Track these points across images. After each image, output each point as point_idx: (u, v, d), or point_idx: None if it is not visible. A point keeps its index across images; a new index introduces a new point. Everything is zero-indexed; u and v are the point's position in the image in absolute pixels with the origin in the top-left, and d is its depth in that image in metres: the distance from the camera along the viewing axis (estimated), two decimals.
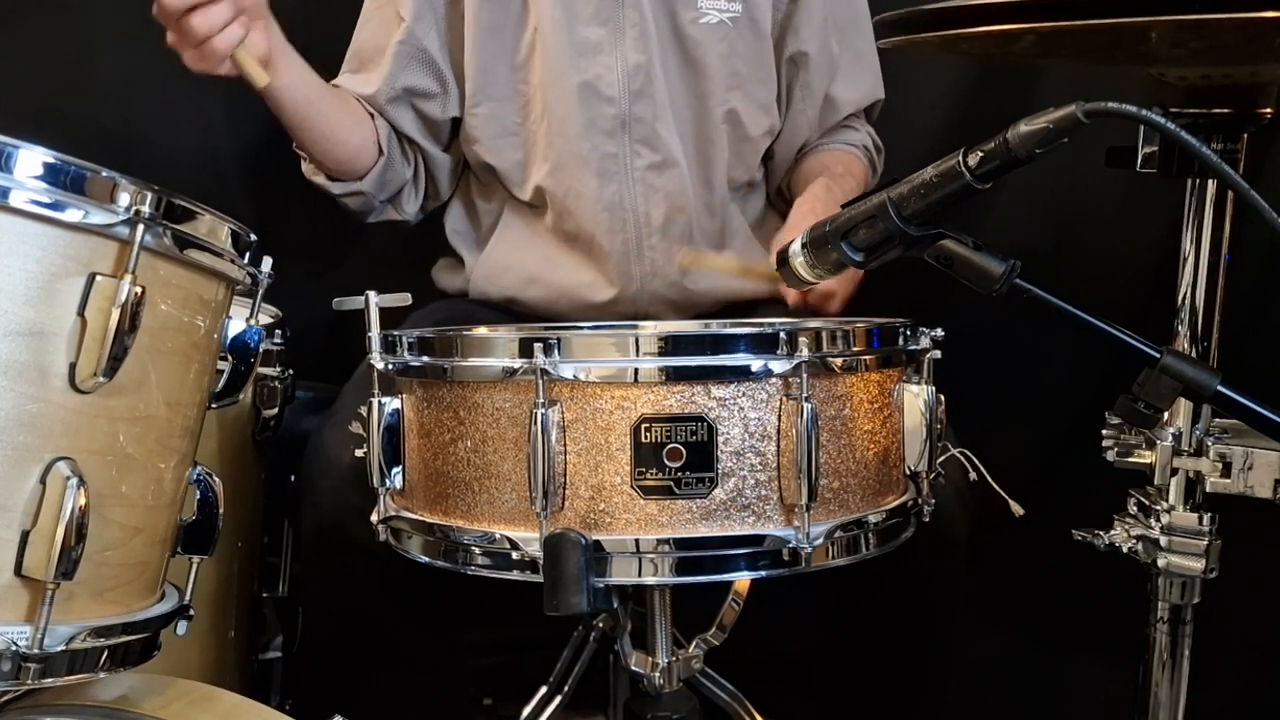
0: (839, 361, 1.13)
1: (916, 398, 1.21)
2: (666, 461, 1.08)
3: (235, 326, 1.16)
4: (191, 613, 1.12)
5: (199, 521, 1.13)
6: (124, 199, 0.96)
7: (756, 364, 1.09)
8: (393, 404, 1.20)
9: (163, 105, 2.01)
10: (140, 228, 0.96)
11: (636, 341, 1.10)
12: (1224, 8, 0.93)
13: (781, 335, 1.09)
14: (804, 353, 1.08)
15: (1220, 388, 1.01)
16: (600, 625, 1.42)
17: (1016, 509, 1.24)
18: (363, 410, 1.20)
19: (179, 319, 1.04)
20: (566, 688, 1.45)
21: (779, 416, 1.09)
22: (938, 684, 1.60)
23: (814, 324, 1.37)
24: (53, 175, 0.93)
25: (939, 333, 1.22)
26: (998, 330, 1.79)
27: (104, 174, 0.95)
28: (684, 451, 1.08)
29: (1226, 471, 1.18)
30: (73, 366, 0.95)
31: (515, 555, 1.11)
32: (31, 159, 0.92)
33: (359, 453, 1.22)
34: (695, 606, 1.26)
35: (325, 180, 1.74)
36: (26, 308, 0.93)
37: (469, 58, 1.72)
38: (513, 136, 1.74)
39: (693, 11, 1.71)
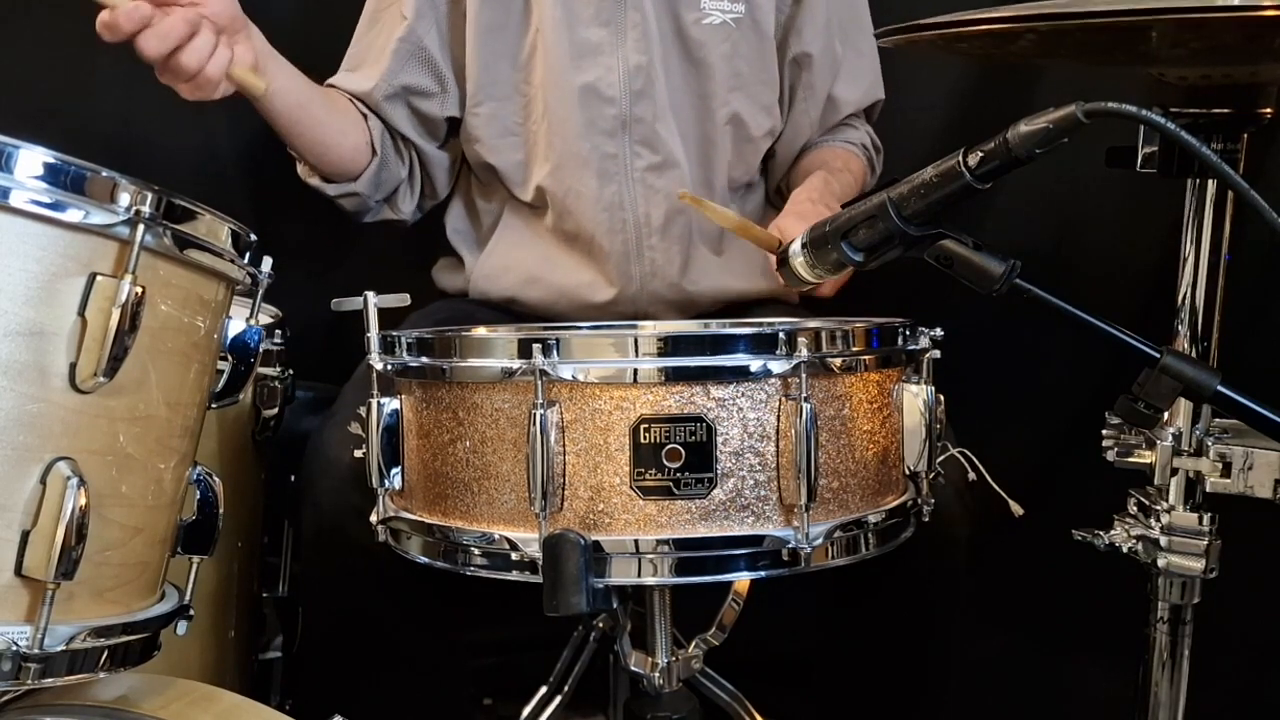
0: (838, 361, 1.13)
1: (916, 398, 1.21)
2: (666, 462, 1.08)
3: (235, 326, 1.15)
4: (191, 613, 1.12)
5: (199, 521, 1.13)
6: (124, 199, 0.96)
7: (755, 364, 1.09)
8: (392, 404, 1.20)
9: (163, 105, 1.99)
10: (140, 228, 0.96)
11: (635, 342, 1.10)
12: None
13: (780, 335, 1.09)
14: (803, 353, 1.08)
15: (1220, 388, 1.01)
16: (600, 625, 1.42)
17: (1016, 509, 1.24)
18: (362, 411, 1.21)
19: (179, 319, 1.04)
20: (566, 688, 1.45)
21: (778, 417, 1.09)
22: (938, 684, 1.60)
23: (813, 324, 1.37)
24: (53, 175, 0.93)
25: (939, 333, 1.23)
26: (998, 330, 1.79)
27: (104, 174, 0.95)
28: (683, 452, 1.08)
29: (1226, 471, 1.18)
30: (73, 366, 0.95)
31: (514, 556, 1.11)
32: (31, 159, 0.92)
33: (358, 453, 1.22)
34: (695, 606, 1.26)
35: (320, 182, 1.74)
36: (26, 308, 0.93)
37: (470, 57, 1.72)
38: (514, 136, 1.74)
39: (695, 12, 1.71)
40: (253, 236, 1.12)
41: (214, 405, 1.15)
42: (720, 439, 1.08)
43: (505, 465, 1.11)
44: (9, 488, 0.94)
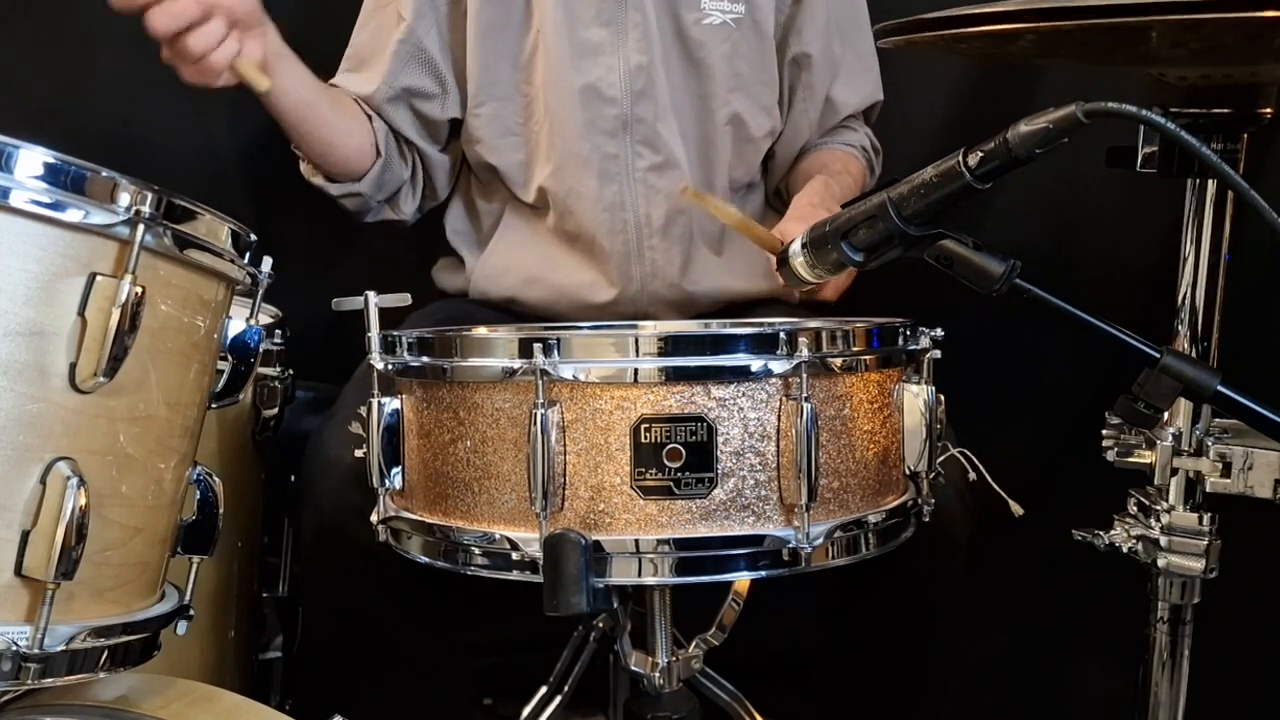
0: (839, 361, 1.13)
1: (916, 398, 1.21)
2: (666, 462, 1.08)
3: (235, 326, 1.15)
4: (191, 613, 1.12)
5: (199, 521, 1.13)
6: (124, 199, 0.96)
7: (756, 364, 1.09)
8: (392, 404, 1.20)
9: (163, 105, 2.00)
10: (140, 228, 0.96)
11: (636, 342, 1.10)
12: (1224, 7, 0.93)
13: (781, 335, 1.09)
14: (804, 353, 1.08)
15: (1220, 388, 1.01)
16: (600, 625, 1.42)
17: (1016, 509, 1.24)
18: (362, 410, 1.21)
19: (179, 319, 1.04)
20: (566, 688, 1.45)
21: (779, 416, 1.09)
22: (938, 684, 1.60)
23: (813, 324, 1.37)
24: (53, 175, 0.93)
25: (939, 333, 1.23)
26: (998, 330, 1.79)
27: (104, 174, 0.95)
28: (684, 452, 1.08)
29: (1226, 471, 1.18)
30: (73, 366, 0.95)
31: (515, 555, 1.11)
32: (31, 159, 0.92)
33: (359, 453, 1.22)
34: (695, 606, 1.26)
35: (323, 181, 1.74)
36: (26, 308, 0.93)
37: (471, 58, 1.72)
38: (515, 137, 1.74)
39: (696, 13, 1.71)
40: (253, 236, 1.12)
41: (214, 405, 1.15)
42: (721, 439, 1.08)
43: (506, 465, 1.11)
44: (9, 488, 0.94)
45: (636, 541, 1.08)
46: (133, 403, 1.00)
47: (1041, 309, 1.04)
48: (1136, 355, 1.03)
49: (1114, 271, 1.95)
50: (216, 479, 1.14)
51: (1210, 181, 1.20)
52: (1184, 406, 1.21)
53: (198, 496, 1.13)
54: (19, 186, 0.92)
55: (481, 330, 1.40)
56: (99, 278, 0.95)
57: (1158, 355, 1.02)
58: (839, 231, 1.10)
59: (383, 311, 1.22)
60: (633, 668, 1.25)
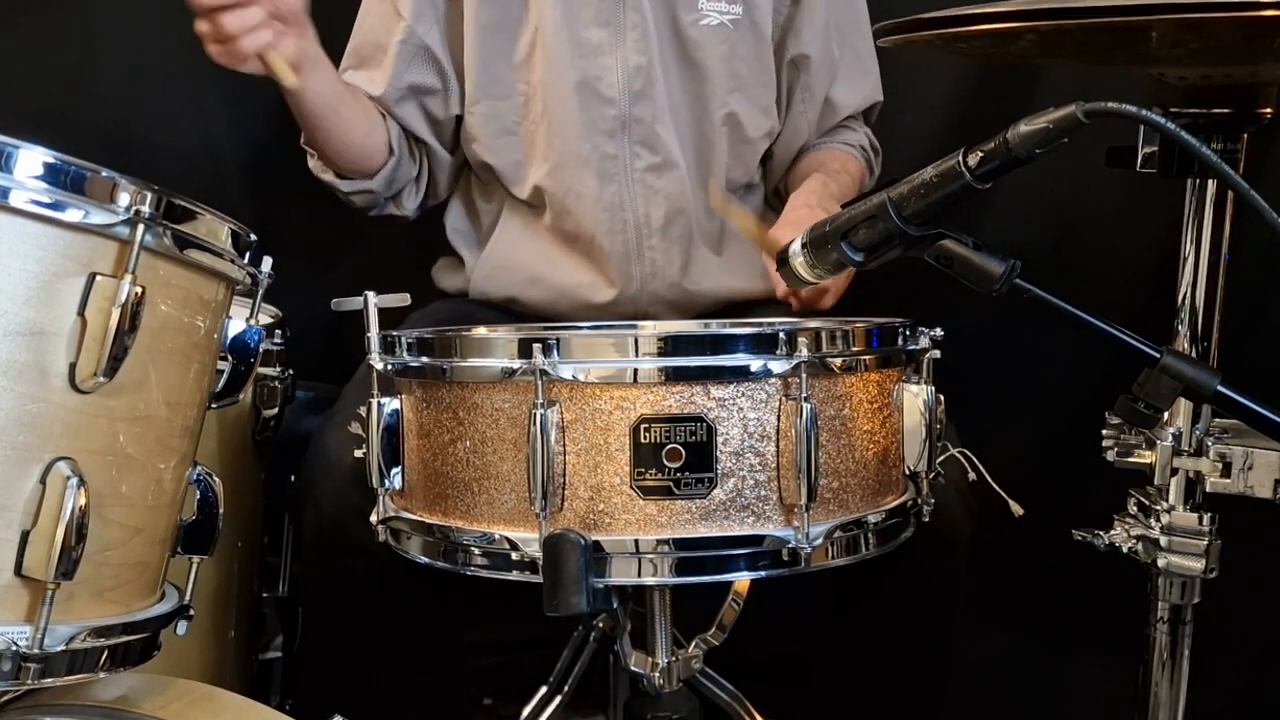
0: (838, 361, 1.13)
1: (916, 398, 1.21)
2: (666, 462, 1.08)
3: (235, 326, 1.15)
4: (191, 613, 1.12)
5: (199, 521, 1.13)
6: (124, 199, 0.96)
7: (756, 364, 1.09)
8: (392, 404, 1.20)
9: (163, 105, 2.01)
10: (140, 228, 0.96)
11: (635, 342, 1.10)
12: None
13: (781, 335, 1.09)
14: (803, 353, 1.08)
15: (1220, 388, 1.01)
16: (600, 625, 1.42)
17: (1016, 509, 1.24)
18: (362, 411, 1.21)
19: (179, 319, 1.04)
20: (566, 688, 1.45)
21: (778, 417, 1.09)
22: (938, 684, 1.60)
23: (813, 324, 1.37)
24: (53, 175, 0.93)
25: (939, 333, 1.22)
26: (998, 330, 1.79)
27: (104, 174, 0.95)
28: (683, 452, 1.08)
29: (1226, 471, 1.18)
30: (73, 366, 0.95)
31: (515, 556, 1.11)
32: (31, 159, 0.92)
33: (359, 453, 1.22)
34: (695, 606, 1.26)
35: (334, 178, 1.75)
36: (26, 308, 0.93)
37: (468, 55, 1.72)
38: (511, 135, 1.74)
39: (693, 13, 1.71)
40: (253, 236, 1.12)
41: (214, 405, 1.15)
42: (720, 439, 1.08)
43: (505, 465, 1.11)
44: (9, 488, 0.94)
45: (636, 542, 1.08)
46: (133, 403, 1.00)
47: (1041, 309, 1.04)
48: (1136, 355, 1.03)
49: (1114, 271, 1.95)
50: (216, 479, 1.14)
51: (1210, 181, 1.20)
52: (1184, 406, 1.21)
53: (198, 496, 1.13)
54: (19, 186, 0.92)
55: (481, 330, 1.40)
56: (99, 278, 0.95)
57: (1158, 355, 1.02)
58: (839, 231, 1.10)
59: (382, 311, 1.22)
60: (633, 668, 1.25)
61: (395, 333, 1.21)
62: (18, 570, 0.94)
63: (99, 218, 0.95)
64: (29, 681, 0.95)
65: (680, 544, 1.08)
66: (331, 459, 1.42)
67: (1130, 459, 1.25)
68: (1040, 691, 2.03)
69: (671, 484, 1.08)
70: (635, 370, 1.08)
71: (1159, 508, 1.22)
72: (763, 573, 1.11)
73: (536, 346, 1.07)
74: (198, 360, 1.09)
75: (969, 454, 1.27)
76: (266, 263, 1.15)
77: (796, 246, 1.15)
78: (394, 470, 1.20)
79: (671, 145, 1.71)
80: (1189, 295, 1.22)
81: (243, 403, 1.33)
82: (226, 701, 1.16)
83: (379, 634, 1.47)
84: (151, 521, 1.07)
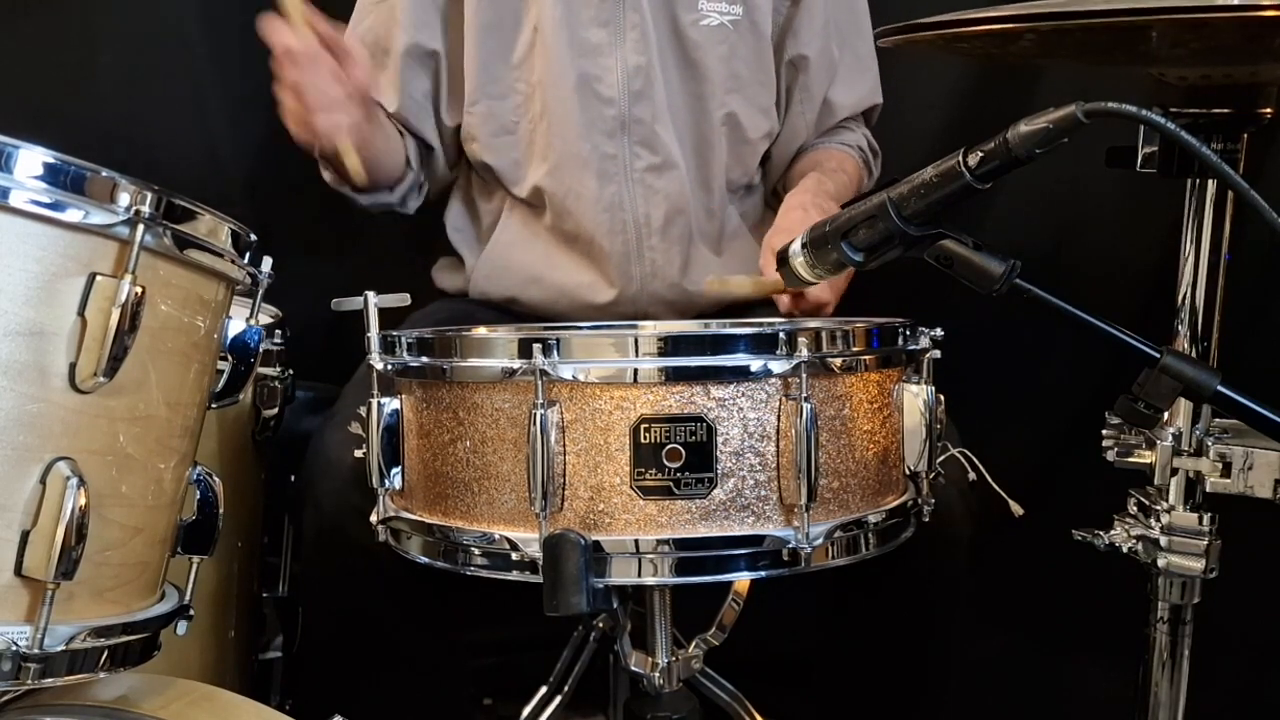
0: (838, 361, 1.13)
1: (916, 398, 1.21)
2: (666, 462, 1.08)
3: (235, 326, 1.15)
4: (191, 613, 1.12)
5: (199, 521, 1.13)
6: (124, 199, 0.96)
7: (756, 364, 1.09)
8: (392, 404, 1.20)
9: (163, 105, 2.01)
10: (140, 228, 0.96)
11: (636, 342, 1.10)
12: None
13: (781, 335, 1.09)
14: (803, 353, 1.08)
15: (1220, 388, 1.01)
16: (600, 625, 1.42)
17: (1016, 509, 1.24)
18: (362, 411, 1.20)
19: (179, 319, 1.04)
20: (566, 688, 1.45)
21: (778, 417, 1.09)
22: (938, 684, 1.60)
23: (813, 324, 1.38)
24: (53, 175, 0.93)
25: (939, 333, 1.22)
26: (998, 330, 1.79)
27: (104, 174, 0.95)
28: (683, 452, 1.08)
29: (1226, 471, 1.18)
30: (73, 366, 0.95)
31: (515, 556, 1.11)
32: (31, 159, 0.92)
33: (359, 453, 1.22)
34: (695, 606, 1.26)
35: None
36: (26, 308, 0.93)
37: (468, 55, 1.72)
38: (510, 135, 1.74)
39: (693, 14, 1.71)
40: (253, 236, 1.12)
41: (214, 405, 1.15)
42: (720, 439, 1.08)
43: (505, 465, 1.11)
44: (9, 488, 0.94)
45: (636, 542, 1.08)
46: (133, 403, 1.00)
47: (1041, 309, 1.04)
48: (1136, 355, 1.03)
49: (1114, 271, 1.95)
50: (216, 479, 1.14)
51: (1210, 181, 1.20)
52: (1184, 406, 1.21)
53: (198, 496, 1.13)
54: (19, 186, 0.92)
55: (481, 330, 1.40)
56: (99, 278, 0.95)
57: (1158, 355, 1.02)
58: (839, 231, 1.10)
59: (382, 311, 1.22)
60: (633, 668, 1.25)
61: (395, 333, 1.21)
62: (18, 570, 0.94)
63: (99, 218, 0.95)
64: (29, 681, 0.95)
65: (680, 544, 1.08)
66: (331, 459, 1.42)
67: (1130, 459, 1.25)
68: (1040, 691, 2.03)
69: (671, 484, 1.08)
70: (635, 370, 1.08)
71: (1159, 508, 1.22)
72: (763, 573, 1.10)
73: (536, 346, 1.07)
74: (198, 360, 1.09)
75: (969, 454, 1.27)
76: (266, 263, 1.15)
77: (796, 246, 1.15)
78: (394, 470, 1.20)
79: (671, 145, 1.71)
80: (1189, 295, 1.22)
81: (243, 403, 1.33)
82: (226, 701, 1.16)
83: (379, 634, 1.47)
84: (151, 521, 1.07)
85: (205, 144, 2.04)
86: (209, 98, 2.01)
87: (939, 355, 1.23)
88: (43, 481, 0.94)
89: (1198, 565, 1.20)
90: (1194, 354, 1.21)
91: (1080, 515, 1.28)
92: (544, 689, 1.45)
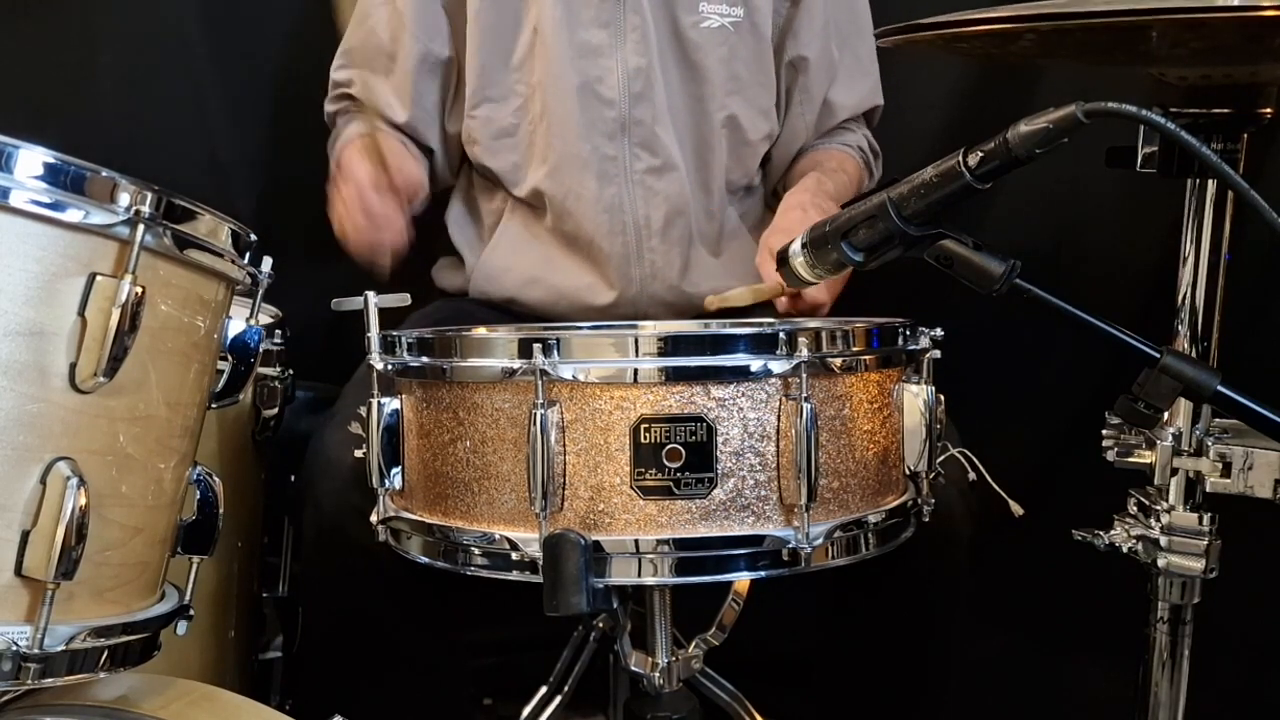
0: (838, 361, 1.13)
1: (916, 397, 1.21)
2: (666, 462, 1.08)
3: (235, 326, 1.16)
4: (191, 613, 1.12)
5: (199, 521, 1.13)
6: (124, 199, 0.96)
7: (756, 364, 1.09)
8: (392, 404, 1.20)
9: (163, 105, 2.01)
10: (140, 228, 0.96)
11: (636, 342, 1.10)
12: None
13: (781, 335, 1.09)
14: (803, 353, 1.08)
15: (1220, 388, 1.01)
16: (600, 625, 1.42)
17: (1016, 509, 1.24)
18: (362, 411, 1.20)
19: (179, 319, 1.04)
20: (566, 688, 1.45)
21: (778, 417, 1.09)
22: (938, 684, 1.60)
23: (813, 324, 1.38)
24: (53, 175, 0.93)
25: (939, 333, 1.22)
26: (998, 330, 1.79)
27: (104, 174, 0.95)
28: (683, 452, 1.08)
29: (1226, 471, 1.18)
30: (73, 366, 0.95)
31: (515, 556, 1.11)
32: (31, 159, 0.92)
33: (359, 453, 1.22)
34: (695, 606, 1.26)
35: None
36: (26, 308, 0.93)
37: (470, 58, 1.73)
38: (509, 138, 1.74)
39: (693, 15, 1.71)
40: (253, 236, 1.12)
41: (214, 405, 1.15)
42: (720, 439, 1.08)
43: (505, 465, 1.11)
44: (9, 488, 0.94)
45: (636, 541, 1.08)
46: (133, 403, 1.00)
47: (1041, 309, 1.04)
48: (1136, 355, 1.03)
49: (1114, 271, 1.95)
50: (216, 479, 1.14)
51: (1210, 181, 1.20)
52: (1184, 406, 1.21)
53: (198, 496, 1.13)
54: (19, 186, 0.92)
55: (481, 330, 1.40)
56: (99, 278, 0.95)
57: (1158, 355, 1.02)
58: (839, 231, 1.10)
59: (382, 311, 1.22)
60: (633, 668, 1.25)
61: (395, 333, 1.21)
62: (18, 570, 0.94)
63: (99, 218, 0.95)
64: (29, 681, 0.95)
65: (680, 544, 1.08)
66: (332, 459, 1.42)
67: (1130, 459, 1.25)
68: (1040, 691, 2.03)
69: (671, 484, 1.08)
70: (635, 370, 1.08)
71: (1159, 508, 1.22)
72: (763, 573, 1.10)
73: (536, 346, 1.07)
74: (198, 360, 1.09)
75: (969, 454, 1.27)
76: (266, 263, 1.15)
77: (796, 247, 1.15)
78: (394, 470, 1.20)
79: (671, 147, 1.71)
80: (1189, 295, 1.22)
81: (243, 403, 1.33)
82: (226, 701, 1.16)
83: (379, 634, 1.47)
84: (151, 521, 1.07)
85: (205, 144, 2.04)
86: (209, 98, 2.01)
87: (939, 355, 1.23)
88: (43, 481, 0.94)
89: (1198, 565, 1.20)
90: (1194, 354, 1.21)
91: (1080, 515, 1.28)
92: (544, 689, 1.45)
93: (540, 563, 1.07)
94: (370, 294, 1.21)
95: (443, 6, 1.74)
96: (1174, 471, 1.22)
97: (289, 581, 1.73)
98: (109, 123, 1.99)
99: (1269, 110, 1.18)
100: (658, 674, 1.24)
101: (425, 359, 1.17)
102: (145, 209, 0.96)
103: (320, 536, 1.45)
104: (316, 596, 1.54)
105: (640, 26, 1.69)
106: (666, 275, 1.72)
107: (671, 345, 1.09)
